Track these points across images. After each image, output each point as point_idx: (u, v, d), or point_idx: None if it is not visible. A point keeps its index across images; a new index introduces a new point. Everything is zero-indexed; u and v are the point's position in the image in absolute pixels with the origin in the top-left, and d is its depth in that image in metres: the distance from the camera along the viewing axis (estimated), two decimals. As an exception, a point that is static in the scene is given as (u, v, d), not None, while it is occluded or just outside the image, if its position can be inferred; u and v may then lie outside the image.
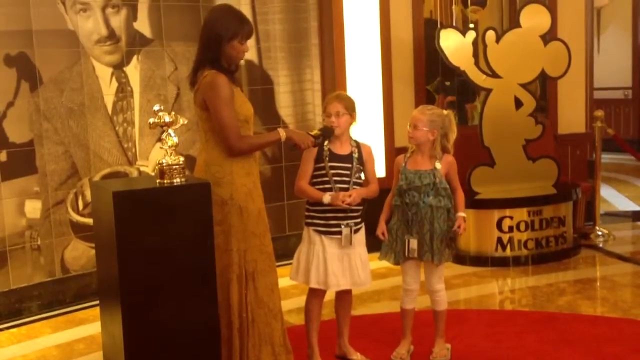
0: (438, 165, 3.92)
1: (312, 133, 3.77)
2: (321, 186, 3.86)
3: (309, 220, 3.91)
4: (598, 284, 5.55)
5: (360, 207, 3.90)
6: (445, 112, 3.98)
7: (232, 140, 3.51)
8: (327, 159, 3.86)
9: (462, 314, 4.85)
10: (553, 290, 5.30)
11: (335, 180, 3.84)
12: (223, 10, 3.67)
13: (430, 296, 4.08)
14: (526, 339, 4.34)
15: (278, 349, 3.67)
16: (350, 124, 3.89)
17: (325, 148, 3.87)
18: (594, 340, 4.28)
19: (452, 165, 3.97)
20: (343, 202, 3.76)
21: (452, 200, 3.95)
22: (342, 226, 3.82)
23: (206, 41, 3.59)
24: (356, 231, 3.88)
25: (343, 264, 3.86)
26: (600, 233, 6.65)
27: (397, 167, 4.04)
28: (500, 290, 5.51)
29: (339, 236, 3.84)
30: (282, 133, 3.66)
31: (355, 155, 3.90)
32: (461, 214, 3.92)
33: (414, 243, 3.92)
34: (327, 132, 3.82)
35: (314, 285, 3.88)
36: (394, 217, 4.01)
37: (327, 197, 3.80)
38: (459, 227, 3.87)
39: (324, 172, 3.86)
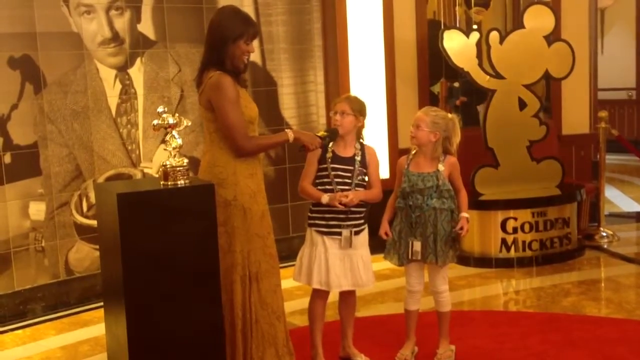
0: (441, 167, 3.92)
1: (319, 134, 3.78)
2: (323, 187, 3.87)
3: (311, 222, 3.91)
4: (602, 285, 5.54)
5: (363, 209, 3.90)
6: (449, 115, 3.97)
7: (240, 141, 3.52)
8: (329, 160, 3.86)
9: (466, 315, 4.85)
10: (557, 292, 5.30)
11: (337, 182, 3.85)
12: (228, 12, 3.68)
13: (434, 297, 4.07)
14: (530, 340, 4.33)
15: (282, 351, 3.67)
16: (355, 125, 3.89)
17: (329, 150, 3.87)
18: (599, 342, 4.27)
19: (454, 167, 3.97)
20: (340, 202, 3.76)
21: (455, 201, 3.94)
22: (342, 227, 3.82)
23: (212, 43, 3.60)
24: (358, 233, 3.87)
25: (344, 264, 3.86)
26: (604, 234, 6.64)
27: (399, 169, 4.04)
28: (504, 291, 5.50)
29: (340, 237, 3.84)
30: (290, 134, 3.67)
31: (358, 157, 3.89)
32: (464, 214, 3.92)
33: (417, 245, 3.91)
34: (333, 134, 3.82)
35: (316, 285, 3.89)
36: (397, 218, 4.00)
37: (325, 198, 3.81)
38: (461, 228, 3.87)
39: (326, 173, 3.86)
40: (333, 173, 3.85)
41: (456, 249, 3.99)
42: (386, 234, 3.97)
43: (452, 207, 3.92)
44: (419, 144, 3.94)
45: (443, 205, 3.90)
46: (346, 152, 3.89)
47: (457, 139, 3.95)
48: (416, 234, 3.92)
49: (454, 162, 3.96)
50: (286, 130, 3.76)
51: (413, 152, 4.01)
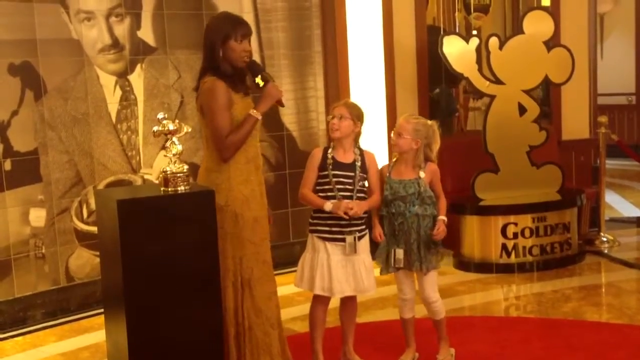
0: (422, 174, 3.92)
1: (257, 81, 3.70)
2: (324, 194, 3.86)
3: (313, 228, 3.91)
4: (603, 290, 5.54)
5: (364, 215, 3.89)
6: (429, 122, 3.99)
7: (218, 146, 3.52)
8: (330, 167, 3.86)
9: (466, 320, 4.84)
10: (558, 297, 5.29)
11: (338, 189, 3.84)
12: (218, 17, 3.76)
13: (427, 307, 4.06)
14: (531, 346, 4.32)
15: (277, 359, 3.66)
16: (353, 130, 3.88)
17: (329, 156, 3.87)
18: (599, 347, 4.27)
19: (435, 174, 3.98)
20: (345, 213, 3.75)
21: (437, 208, 3.95)
22: (345, 233, 3.82)
23: (205, 49, 3.64)
24: (360, 238, 3.87)
25: (347, 270, 3.86)
26: (605, 239, 6.63)
27: (381, 177, 4.04)
28: (505, 296, 5.49)
29: (342, 243, 3.83)
30: (256, 114, 3.61)
31: (358, 163, 3.89)
32: (441, 217, 3.93)
33: (399, 253, 3.91)
34: (253, 67, 3.71)
35: (318, 291, 3.88)
36: (383, 226, 4.00)
37: (328, 205, 3.80)
38: (438, 228, 3.88)
39: (327, 179, 3.86)
40: (334, 179, 3.85)
41: (438, 254, 3.98)
42: (380, 236, 3.96)
43: (434, 213, 3.94)
44: (401, 152, 3.95)
45: (425, 212, 3.90)
46: (346, 158, 3.89)
47: (437, 145, 3.97)
48: (400, 242, 3.92)
49: (434, 169, 3.97)
50: (250, 112, 3.61)
51: (394, 160, 4.02)
